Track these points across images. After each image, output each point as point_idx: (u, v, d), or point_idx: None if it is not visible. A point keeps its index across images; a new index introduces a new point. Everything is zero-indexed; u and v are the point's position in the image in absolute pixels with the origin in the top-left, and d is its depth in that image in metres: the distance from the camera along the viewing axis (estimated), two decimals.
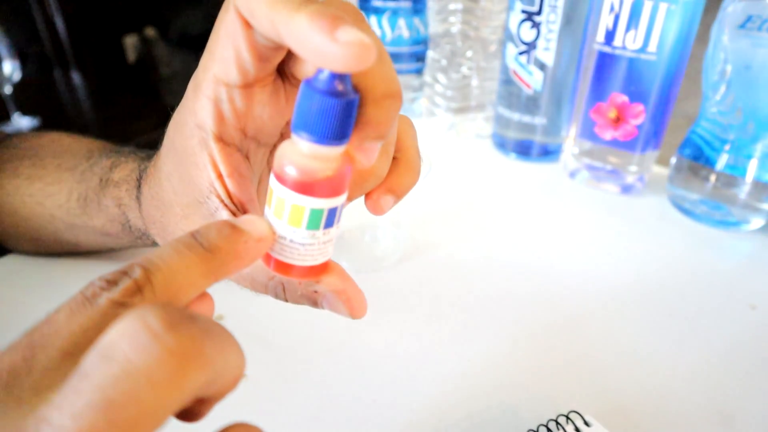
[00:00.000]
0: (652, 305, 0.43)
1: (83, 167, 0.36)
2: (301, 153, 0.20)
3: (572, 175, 0.58)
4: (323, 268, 0.22)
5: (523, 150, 0.61)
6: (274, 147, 0.27)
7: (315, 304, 0.24)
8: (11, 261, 0.44)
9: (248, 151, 0.25)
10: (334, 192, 0.20)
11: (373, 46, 0.17)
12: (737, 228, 0.51)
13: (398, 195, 0.24)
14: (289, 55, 0.23)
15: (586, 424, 0.32)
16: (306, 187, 0.20)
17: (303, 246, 0.21)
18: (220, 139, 0.24)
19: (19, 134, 0.42)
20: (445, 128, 0.67)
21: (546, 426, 0.32)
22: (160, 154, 0.27)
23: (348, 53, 0.17)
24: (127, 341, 0.14)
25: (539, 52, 0.55)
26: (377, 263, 0.46)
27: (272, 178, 0.21)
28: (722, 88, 0.49)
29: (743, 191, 0.50)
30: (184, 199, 0.25)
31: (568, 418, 0.32)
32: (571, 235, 0.51)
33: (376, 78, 0.21)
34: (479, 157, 0.64)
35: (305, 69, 0.23)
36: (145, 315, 0.14)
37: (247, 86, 0.23)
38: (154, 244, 0.30)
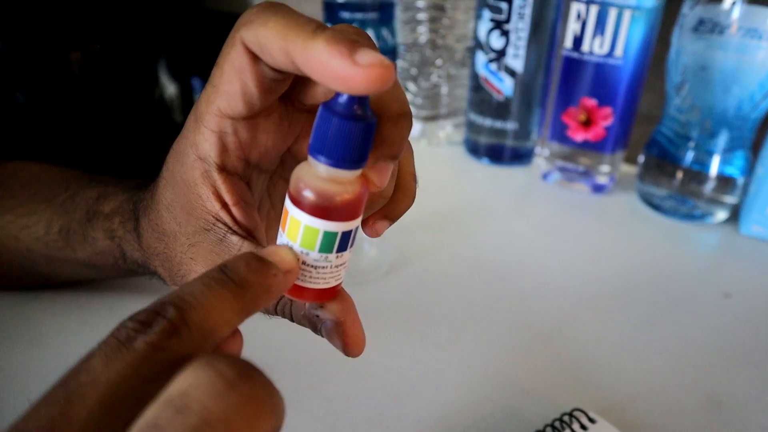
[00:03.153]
0: (633, 299, 0.45)
1: (62, 198, 0.35)
2: (318, 176, 0.20)
3: (545, 177, 0.60)
4: (333, 293, 0.22)
5: (496, 154, 0.63)
6: (274, 173, 0.27)
7: (315, 329, 0.24)
8: None
9: (250, 178, 0.25)
10: (350, 216, 0.20)
11: (393, 66, 0.17)
12: (702, 221, 0.54)
13: (393, 219, 0.24)
14: (295, 82, 0.23)
15: (591, 420, 0.32)
16: (323, 210, 0.20)
17: (315, 269, 0.21)
18: (224, 169, 0.23)
19: None
20: (417, 136, 0.68)
21: (552, 426, 0.33)
22: (159, 185, 0.26)
23: (370, 76, 0.17)
24: (202, 391, 0.14)
25: (509, 59, 0.56)
26: (363, 276, 0.45)
27: (287, 201, 0.21)
28: (683, 89, 0.51)
29: (708, 186, 0.52)
30: (189, 229, 0.24)
31: (572, 416, 0.33)
32: (549, 236, 0.52)
33: (390, 98, 0.21)
34: (453, 163, 0.65)
35: (313, 94, 0.23)
36: (215, 364, 0.14)
37: (252, 117, 0.23)
38: (153, 275, 0.29)
